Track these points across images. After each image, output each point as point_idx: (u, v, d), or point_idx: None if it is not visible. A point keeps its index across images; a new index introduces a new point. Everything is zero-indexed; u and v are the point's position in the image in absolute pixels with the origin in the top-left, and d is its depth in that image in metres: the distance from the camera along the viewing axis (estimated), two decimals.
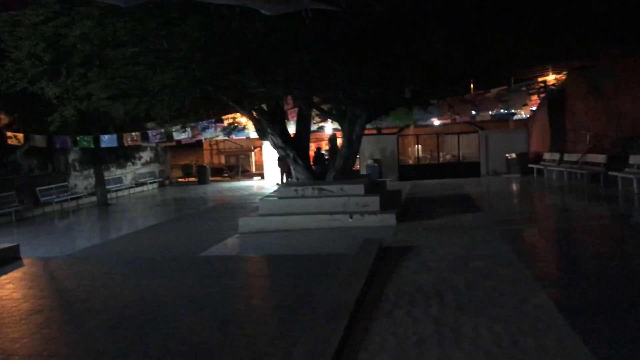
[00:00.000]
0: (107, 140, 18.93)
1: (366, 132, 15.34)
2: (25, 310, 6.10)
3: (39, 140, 18.24)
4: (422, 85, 12.35)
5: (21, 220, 16.60)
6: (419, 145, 24.98)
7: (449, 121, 22.06)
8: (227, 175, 30.39)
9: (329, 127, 22.06)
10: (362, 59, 9.95)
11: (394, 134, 23.67)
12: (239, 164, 32.23)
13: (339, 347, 4.34)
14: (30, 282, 7.66)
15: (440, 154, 24.63)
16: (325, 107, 14.77)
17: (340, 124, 13.94)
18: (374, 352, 4.44)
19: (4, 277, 7.99)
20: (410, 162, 24.87)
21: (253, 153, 32.50)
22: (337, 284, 6.19)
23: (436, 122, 22.55)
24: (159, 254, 9.75)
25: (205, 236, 11.41)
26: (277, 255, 8.88)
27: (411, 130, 24.37)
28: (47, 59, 10.23)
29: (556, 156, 19.28)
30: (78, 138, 18.60)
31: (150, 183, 26.47)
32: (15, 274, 8.18)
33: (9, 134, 17.86)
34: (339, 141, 16.24)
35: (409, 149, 25.45)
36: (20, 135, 18.00)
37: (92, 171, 20.87)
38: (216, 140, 30.55)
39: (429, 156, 25.31)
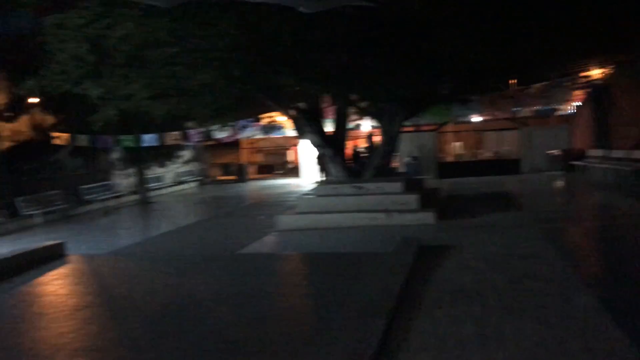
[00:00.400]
0: (148, 139, 19.30)
1: (404, 129, 15.22)
2: (72, 306, 6.26)
3: (83, 140, 18.72)
4: (460, 81, 12.17)
5: (66, 218, 17.07)
6: (459, 142, 24.64)
7: (489, 117, 21.68)
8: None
9: (367, 124, 21.98)
10: (399, 55, 9.86)
11: (432, 130, 23.40)
12: (281, 162, 32.40)
13: (378, 347, 4.30)
14: (75, 279, 7.87)
15: (480, 151, 24.23)
16: (363, 104, 14.72)
17: (378, 122, 13.87)
18: (415, 352, 4.38)
19: (51, 273, 8.22)
20: (450, 159, 24.56)
21: (290, 151, 32.63)
22: (375, 282, 6.14)
23: (476, 118, 22.20)
24: (198, 252, 9.88)
25: (243, 234, 11.50)
26: (315, 253, 8.87)
27: (450, 127, 24.06)
28: (90, 60, 10.47)
29: (601, 153, 18.73)
30: (120, 138, 19.01)
31: (190, 181, 26.88)
32: (61, 271, 8.40)
33: (54, 134, 18.38)
34: (377, 139, 16.16)
35: (448, 146, 25.14)
36: (65, 135, 18.49)
37: (133, 170, 21.32)
38: (254, 139, 30.81)
39: (468, 153, 24.95)
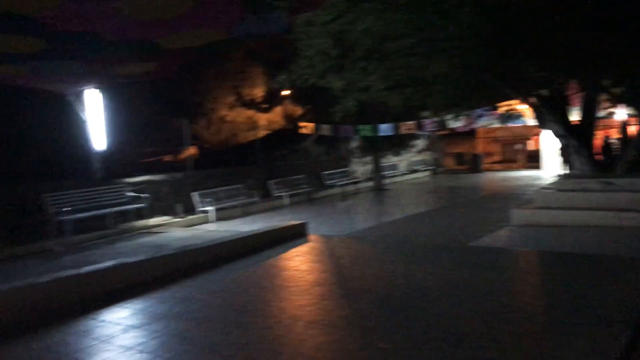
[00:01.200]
0: (384, 129, 19.95)
1: None
2: (309, 282, 6.82)
3: (326, 130, 20.14)
4: None
5: (309, 201, 18.59)
6: None
7: None
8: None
9: (621, 113, 19.62)
10: None
11: None
12: (519, 153, 30.85)
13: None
14: (314, 257, 8.55)
15: None
16: (616, 90, 13.17)
17: (636, 109, 12.29)
18: None
19: (294, 250, 9.06)
20: None
21: (530, 142, 30.80)
22: (620, 289, 5.50)
23: None
24: (428, 240, 9.93)
25: (475, 226, 11.24)
26: (552, 251, 8.26)
27: None
28: (334, 54, 11.20)
29: None
30: (358, 127, 20.00)
31: (423, 170, 27.10)
32: (302, 248, 9.21)
33: (301, 123, 20.13)
34: (633, 129, 14.35)
35: None
36: (311, 125, 20.11)
37: (369, 158, 22.27)
38: (491, 128, 29.75)
39: None
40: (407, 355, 4.28)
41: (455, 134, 26.34)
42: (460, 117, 19.39)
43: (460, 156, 30.55)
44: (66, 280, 6.47)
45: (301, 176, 19.50)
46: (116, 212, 13.27)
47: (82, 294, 6.44)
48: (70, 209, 12.11)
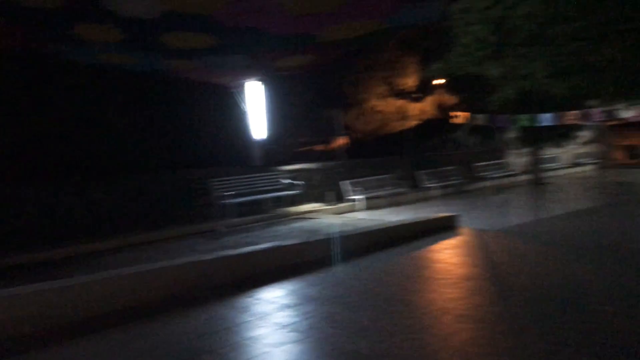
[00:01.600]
0: (545, 119, 18.72)
1: None
2: (460, 275, 6.68)
3: (481, 119, 19.41)
4: None
5: (460, 193, 18.12)
6: None
7: None
8: None
9: None
10: None
11: None
12: None
13: None
14: (465, 250, 8.34)
15: None
16: None
17: None
18: None
19: (444, 242, 8.92)
20: None
21: None
22: None
23: None
24: (592, 240, 9.21)
25: None
26: None
27: None
28: (492, 41, 10.75)
29: None
30: (516, 117, 19.00)
31: (588, 164, 25.10)
32: (452, 241, 9.03)
33: (453, 113, 19.62)
34: None
35: None
36: (464, 114, 19.51)
37: (528, 149, 21.08)
38: None
39: None
40: (562, 359, 4.03)
41: (626, 125, 23.93)
42: (634, 106, 17.64)
43: (632, 149, 27.77)
44: (228, 259, 7.01)
45: (452, 167, 19.05)
46: (272, 198, 14.00)
47: (241, 272, 6.93)
48: (232, 193, 13.02)
